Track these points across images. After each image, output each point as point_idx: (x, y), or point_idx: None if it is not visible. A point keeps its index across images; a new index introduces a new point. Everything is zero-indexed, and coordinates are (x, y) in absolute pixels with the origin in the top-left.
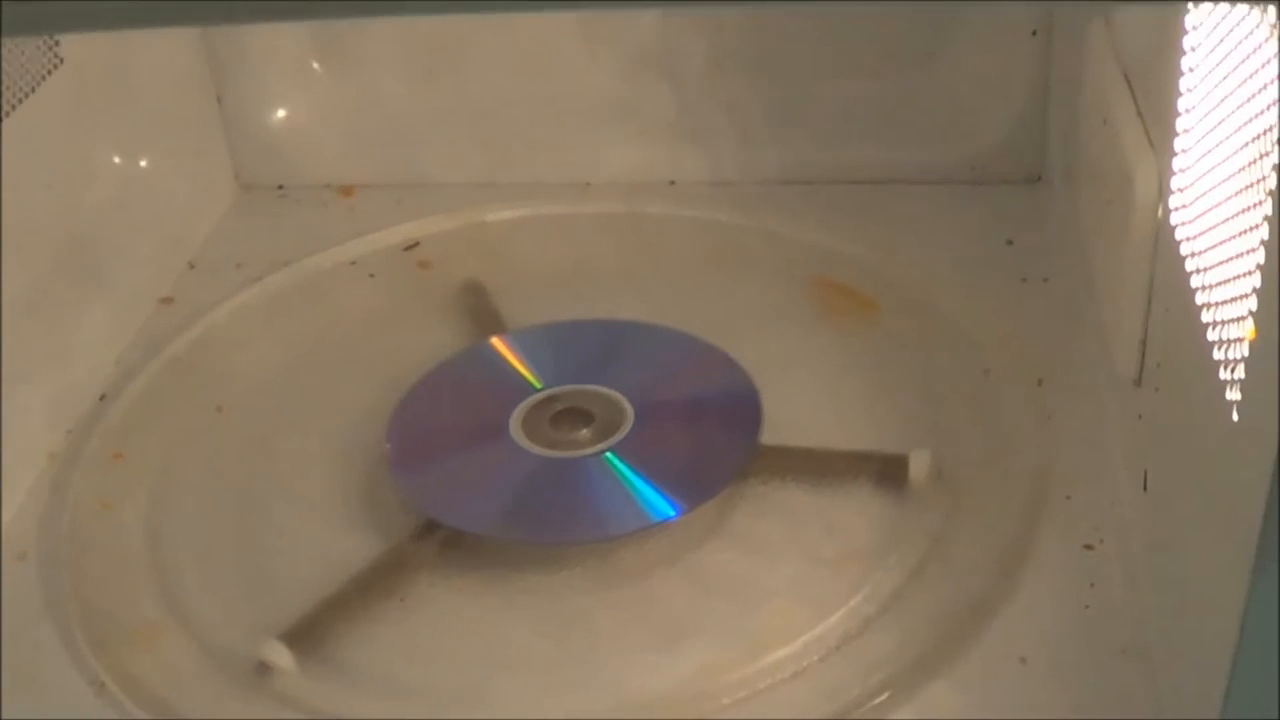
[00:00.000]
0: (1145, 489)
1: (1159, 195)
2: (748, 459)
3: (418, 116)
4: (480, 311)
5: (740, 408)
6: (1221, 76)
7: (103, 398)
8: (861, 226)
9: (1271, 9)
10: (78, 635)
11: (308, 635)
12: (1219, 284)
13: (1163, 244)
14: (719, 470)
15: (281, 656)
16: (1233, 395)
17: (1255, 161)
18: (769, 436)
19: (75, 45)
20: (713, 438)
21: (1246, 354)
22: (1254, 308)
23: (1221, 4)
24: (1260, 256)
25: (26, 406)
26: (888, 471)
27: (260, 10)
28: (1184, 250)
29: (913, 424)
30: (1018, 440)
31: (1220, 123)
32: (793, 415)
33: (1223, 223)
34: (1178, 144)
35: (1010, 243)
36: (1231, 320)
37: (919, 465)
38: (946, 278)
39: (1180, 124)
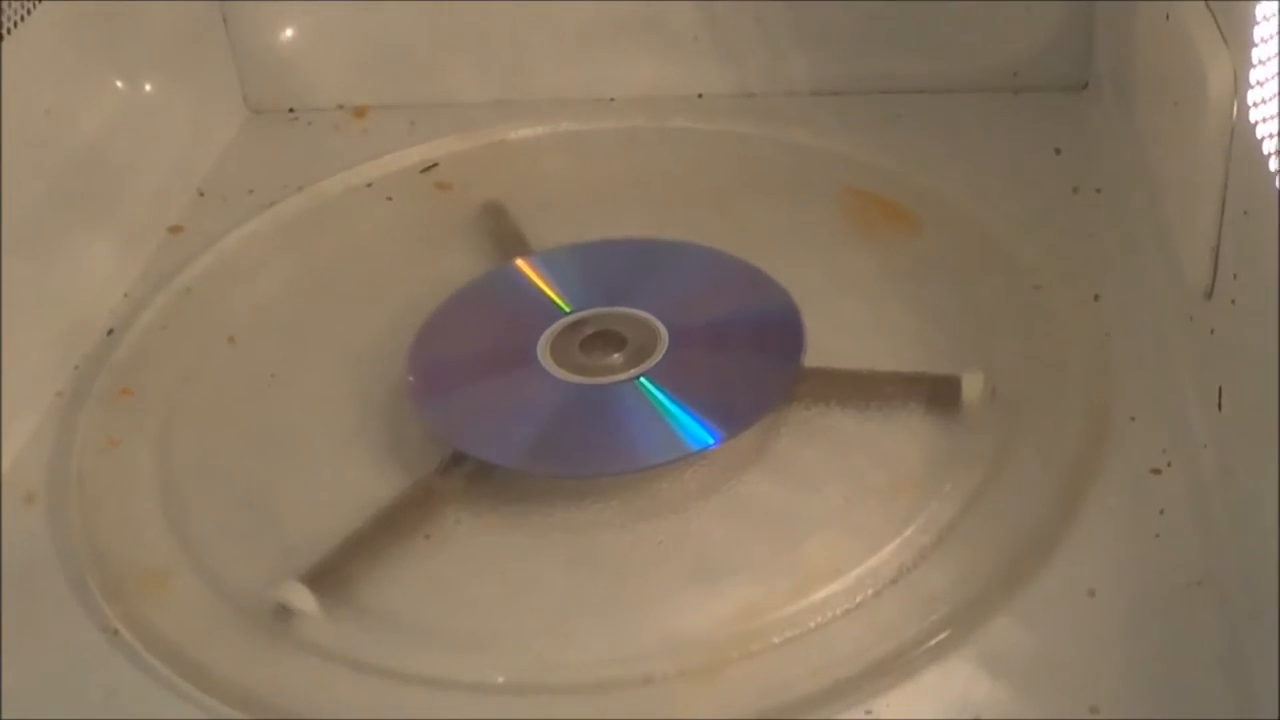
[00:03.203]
0: (1220, 409)
1: (1234, 91)
2: (790, 382)
3: (432, 32)
4: (502, 233)
5: (780, 328)
6: None
7: (111, 332)
8: (898, 138)
9: None
10: (89, 580)
11: (329, 576)
12: None
13: (1240, 143)
14: (759, 395)
15: (303, 599)
16: None
17: None
18: (811, 358)
19: None
20: (752, 361)
21: None
22: None
23: None
24: None
25: (31, 342)
26: (939, 394)
27: None
28: (1266, 149)
29: (962, 343)
30: (1075, 359)
31: None
32: (834, 335)
33: None
34: (1257, 33)
35: (1058, 152)
36: None
37: (972, 387)
38: (991, 189)
39: (1260, 10)
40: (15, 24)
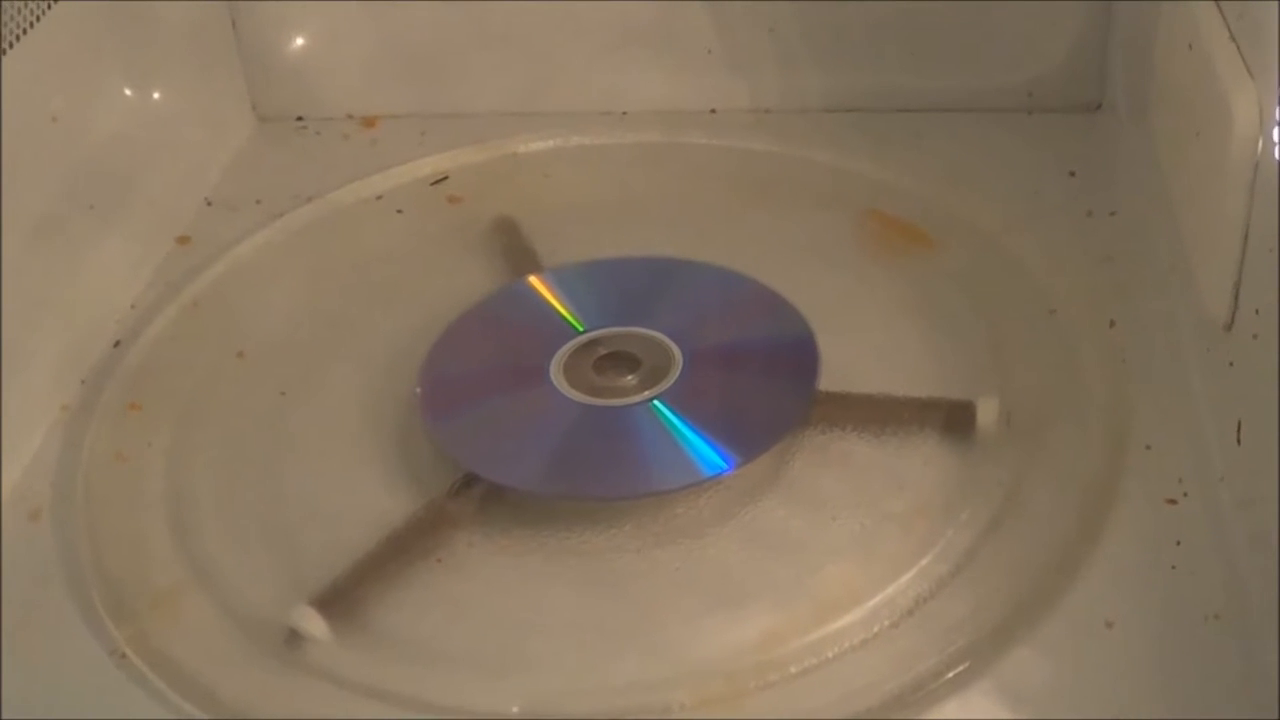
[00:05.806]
0: (1239, 442)
1: (1260, 126)
2: (805, 407)
3: (444, 42)
4: (514, 249)
5: (795, 351)
6: None
7: (118, 344)
8: (912, 156)
9: None
10: (96, 601)
11: (340, 600)
12: None
13: (1264, 179)
14: (775, 419)
15: (314, 624)
16: None
17: None
18: (826, 382)
19: None
20: (767, 384)
21: None
22: None
23: None
24: None
25: (37, 355)
26: (955, 419)
27: None
28: None
29: (977, 368)
30: (1091, 385)
31: None
32: (849, 358)
33: None
34: None
35: (1073, 174)
36: None
37: (987, 412)
38: (1006, 211)
39: None
40: (24, 30)
